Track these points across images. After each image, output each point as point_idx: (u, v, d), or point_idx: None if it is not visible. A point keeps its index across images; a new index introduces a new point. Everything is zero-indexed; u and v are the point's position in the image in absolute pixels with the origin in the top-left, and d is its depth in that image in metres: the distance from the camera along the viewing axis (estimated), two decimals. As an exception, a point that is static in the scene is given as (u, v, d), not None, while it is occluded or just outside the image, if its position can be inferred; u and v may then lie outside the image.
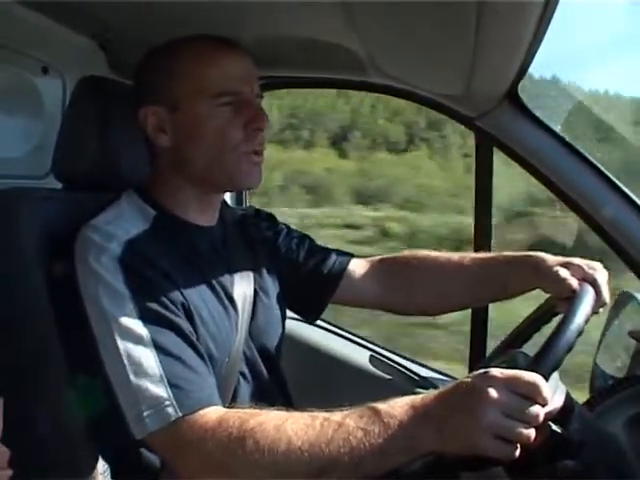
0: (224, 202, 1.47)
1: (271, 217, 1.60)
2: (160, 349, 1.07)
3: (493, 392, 0.89)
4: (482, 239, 1.89)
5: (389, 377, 2.03)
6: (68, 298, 1.13)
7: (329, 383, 2.07)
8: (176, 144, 1.25)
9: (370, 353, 2.12)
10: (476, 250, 1.85)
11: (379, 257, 1.63)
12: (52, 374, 1.18)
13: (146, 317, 1.09)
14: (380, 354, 2.13)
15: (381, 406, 0.95)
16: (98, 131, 1.31)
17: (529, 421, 0.89)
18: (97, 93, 1.34)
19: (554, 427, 0.93)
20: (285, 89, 2.19)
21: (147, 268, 1.14)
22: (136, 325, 1.08)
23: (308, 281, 1.54)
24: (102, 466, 1.19)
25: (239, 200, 2.27)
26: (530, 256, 1.41)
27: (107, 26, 1.57)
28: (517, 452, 0.89)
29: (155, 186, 1.30)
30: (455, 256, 1.55)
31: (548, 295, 1.36)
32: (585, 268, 1.29)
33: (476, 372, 0.95)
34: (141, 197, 1.27)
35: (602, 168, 1.64)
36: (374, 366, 2.07)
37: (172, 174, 1.28)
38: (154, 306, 1.11)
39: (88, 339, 1.09)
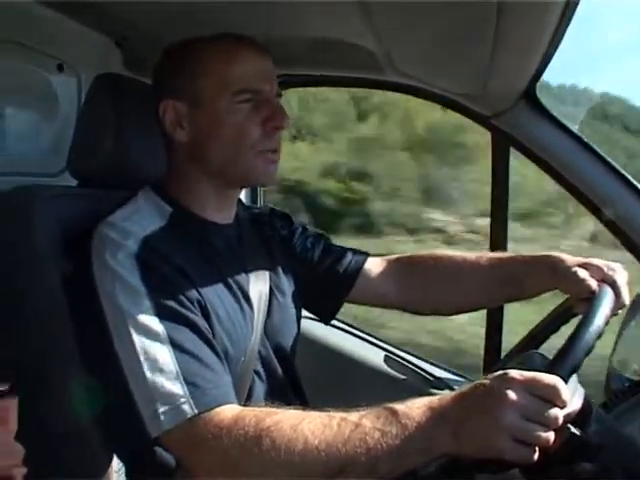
0: (240, 201, 1.47)
1: (286, 216, 1.59)
2: (176, 346, 1.07)
3: (512, 394, 0.88)
4: (499, 238, 1.88)
5: (404, 377, 2.03)
6: (83, 295, 1.13)
7: (344, 383, 2.07)
8: (194, 139, 1.25)
9: (385, 353, 2.12)
10: (492, 249, 1.85)
11: (395, 256, 1.62)
12: (66, 372, 1.17)
13: (162, 314, 1.09)
14: (395, 354, 2.12)
15: (398, 407, 0.95)
16: (113, 129, 1.30)
17: (548, 424, 0.88)
18: (113, 91, 1.33)
19: (573, 429, 0.93)
20: (301, 87, 2.18)
21: (163, 265, 1.14)
22: (152, 322, 1.08)
23: (324, 280, 1.53)
24: (117, 464, 1.19)
25: (254, 198, 2.27)
26: (548, 256, 1.40)
27: (123, 24, 1.57)
28: (535, 455, 0.88)
29: (172, 182, 1.30)
30: (472, 256, 1.54)
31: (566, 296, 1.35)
32: (604, 269, 1.28)
33: (494, 374, 0.94)
34: (158, 194, 1.28)
35: (619, 168, 1.64)
36: (389, 366, 2.07)
37: (189, 169, 1.29)
38: (170, 303, 1.10)
39: (104, 336, 1.09)
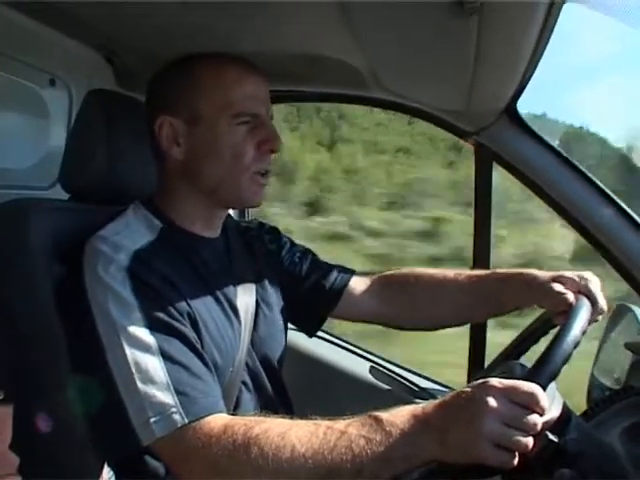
0: (228, 214, 1.48)
1: (275, 230, 1.62)
2: (167, 357, 1.09)
3: (492, 401, 0.90)
4: (481, 254, 1.90)
5: (388, 388, 2.05)
6: (76, 307, 1.14)
7: (329, 393, 2.09)
8: (189, 157, 1.27)
9: (370, 364, 2.13)
10: (475, 264, 1.88)
11: (379, 274, 1.65)
12: (58, 383, 1.18)
13: (153, 326, 1.11)
14: (380, 365, 2.14)
15: (383, 415, 0.97)
16: (105, 144, 1.32)
17: (527, 430, 0.90)
18: (104, 106, 1.35)
19: (551, 436, 0.94)
20: (287, 103, 2.20)
21: (154, 278, 1.16)
22: (143, 334, 1.10)
23: (309, 295, 1.56)
24: (107, 472, 1.20)
25: (242, 212, 2.29)
26: (522, 273, 1.43)
27: (113, 40, 1.59)
28: (516, 460, 0.90)
29: (162, 198, 1.32)
30: (451, 273, 1.57)
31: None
32: (577, 280, 1.31)
33: (475, 382, 0.96)
34: (148, 209, 1.29)
35: (599, 183, 1.66)
36: (374, 377, 2.09)
37: (181, 186, 1.30)
38: (161, 315, 1.12)
39: (96, 347, 1.10)
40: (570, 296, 1.27)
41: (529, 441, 0.90)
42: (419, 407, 0.97)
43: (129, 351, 1.08)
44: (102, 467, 1.19)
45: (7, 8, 1.41)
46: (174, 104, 1.27)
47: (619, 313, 1.65)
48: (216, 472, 1.02)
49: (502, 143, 1.73)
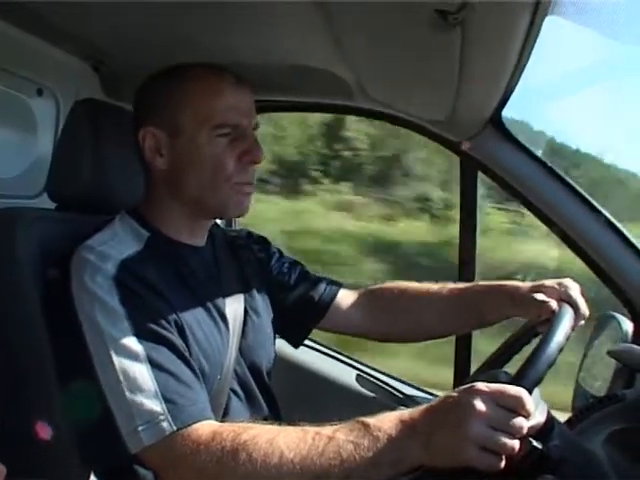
0: (215, 223, 1.49)
1: (264, 240, 1.63)
2: (155, 365, 1.09)
3: (479, 404, 0.91)
4: (466, 262, 1.92)
5: (374, 395, 2.05)
6: (63, 317, 1.14)
7: (316, 401, 2.08)
8: (172, 167, 1.28)
9: (356, 372, 2.14)
10: (460, 272, 1.89)
11: (364, 288, 1.67)
12: (46, 392, 1.18)
13: (141, 334, 1.11)
14: (366, 373, 2.14)
15: (370, 420, 0.98)
16: (92, 154, 1.33)
17: (513, 432, 0.91)
18: (91, 116, 1.35)
19: (535, 443, 0.95)
20: (272, 112, 2.21)
21: (141, 287, 1.16)
22: (131, 342, 1.10)
23: (297, 306, 1.57)
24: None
25: (228, 222, 2.29)
26: (504, 285, 1.46)
27: (100, 50, 1.59)
28: (502, 463, 0.91)
29: (148, 207, 1.32)
30: (434, 287, 1.59)
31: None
32: (558, 287, 1.34)
33: (461, 387, 0.97)
34: (134, 219, 1.29)
35: (583, 192, 1.68)
36: (360, 384, 2.09)
37: (165, 196, 1.31)
38: (148, 323, 1.13)
39: (83, 356, 1.10)
40: (553, 304, 1.29)
41: (515, 444, 0.91)
42: (406, 412, 0.98)
43: (117, 359, 1.08)
44: (88, 476, 1.19)
45: (-6, 19, 1.41)
46: (157, 115, 1.28)
47: (603, 321, 1.66)
48: (204, 478, 1.02)
49: (487, 153, 1.74)
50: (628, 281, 1.63)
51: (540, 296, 1.33)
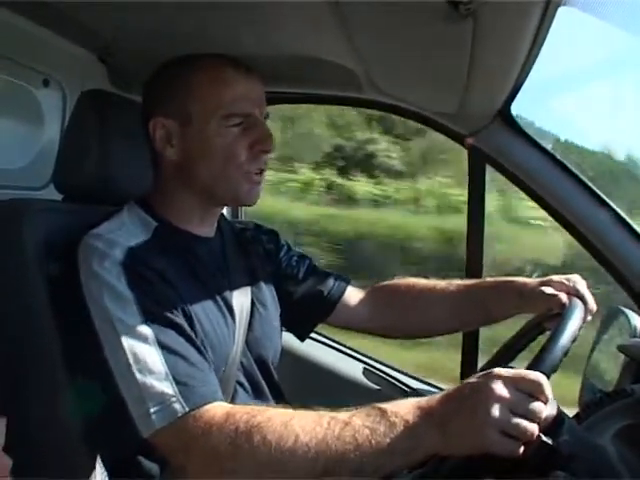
0: (223, 215, 1.49)
1: (273, 232, 1.63)
2: (164, 347, 1.09)
3: (498, 388, 0.91)
4: (475, 255, 1.91)
5: (381, 389, 2.05)
6: (72, 304, 1.14)
7: (322, 394, 2.06)
8: (183, 157, 1.28)
9: (363, 365, 2.14)
10: (468, 266, 1.88)
11: (372, 285, 1.67)
12: (52, 384, 1.18)
13: (149, 318, 1.11)
14: (373, 366, 2.14)
15: (387, 406, 0.97)
16: (98, 145, 1.33)
17: (533, 417, 0.91)
18: (98, 107, 1.35)
19: (544, 438, 0.94)
20: (282, 104, 2.20)
21: (149, 273, 1.16)
22: (140, 326, 1.09)
23: (305, 300, 1.57)
24: (101, 473, 1.19)
25: (235, 213, 2.29)
26: (512, 281, 1.46)
27: (107, 40, 1.59)
28: (521, 449, 0.91)
29: (157, 197, 1.32)
30: (442, 283, 1.59)
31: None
32: (566, 282, 1.35)
33: (480, 373, 0.97)
34: (142, 208, 1.29)
35: (592, 186, 1.67)
36: (367, 378, 2.09)
37: (176, 186, 1.31)
38: (156, 307, 1.12)
39: (92, 342, 1.10)
40: (563, 297, 1.30)
41: (535, 429, 0.91)
42: (423, 399, 0.98)
43: (126, 343, 1.08)
44: (94, 468, 1.19)
45: (1, 9, 1.41)
46: (167, 105, 1.28)
47: (611, 315, 1.65)
48: (217, 460, 1.01)
49: (495, 146, 1.73)
50: (637, 275, 1.62)
51: (549, 290, 1.34)
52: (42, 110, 1.78)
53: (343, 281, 1.62)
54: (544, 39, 1.21)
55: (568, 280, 1.35)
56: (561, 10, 1.08)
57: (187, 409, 1.04)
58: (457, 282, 1.58)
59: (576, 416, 1.33)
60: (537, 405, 0.91)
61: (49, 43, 1.59)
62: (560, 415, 1.00)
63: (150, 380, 1.06)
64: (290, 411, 1.03)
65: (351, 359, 2.21)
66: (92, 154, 1.33)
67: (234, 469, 1.00)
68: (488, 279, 1.57)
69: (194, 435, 1.03)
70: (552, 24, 1.14)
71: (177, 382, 1.06)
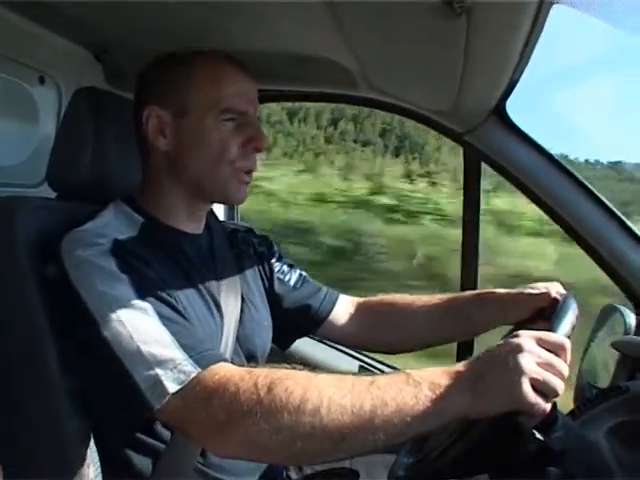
0: (213, 214, 1.49)
1: (265, 237, 1.63)
2: (164, 318, 1.07)
3: (527, 344, 0.93)
4: (470, 253, 1.92)
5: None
6: (62, 297, 1.12)
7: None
8: (174, 149, 1.28)
9: (359, 363, 2.14)
10: (463, 265, 1.89)
11: (358, 300, 1.67)
12: (44, 381, 1.18)
13: (145, 294, 1.09)
14: (368, 364, 2.14)
15: (412, 371, 0.97)
16: (92, 142, 1.33)
17: (558, 373, 0.92)
18: (92, 105, 1.35)
19: (538, 435, 0.95)
20: (276, 102, 2.20)
21: (136, 262, 1.15)
22: (137, 300, 1.08)
23: (293, 312, 1.57)
24: (93, 471, 1.19)
25: (230, 216, 2.29)
26: (493, 292, 1.47)
27: (103, 38, 1.60)
28: (548, 407, 0.91)
29: (144, 193, 1.32)
30: (424, 297, 1.60)
31: None
32: (549, 285, 1.37)
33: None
34: (129, 205, 1.29)
35: (587, 183, 1.67)
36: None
37: (164, 178, 1.31)
38: (149, 286, 1.11)
39: (90, 328, 1.07)
40: (552, 291, 1.32)
41: (562, 385, 0.92)
42: (448, 367, 0.98)
43: (125, 317, 1.06)
44: (87, 466, 1.18)
45: (-3, 6, 1.41)
46: (164, 95, 1.28)
47: (606, 313, 1.66)
48: (236, 414, 0.97)
49: (490, 143, 1.73)
50: (631, 273, 1.63)
51: (536, 290, 1.36)
52: (38, 107, 1.78)
53: (333, 295, 1.62)
54: (538, 37, 1.21)
55: (549, 285, 1.37)
56: (555, 8, 1.09)
57: (200, 368, 1.02)
58: (439, 296, 1.59)
59: (571, 413, 1.33)
60: (562, 362, 0.93)
61: (45, 40, 1.59)
62: (553, 411, 1.00)
63: (156, 348, 1.04)
64: (309, 373, 1.00)
65: (347, 356, 2.21)
66: (86, 152, 1.32)
67: (256, 422, 0.95)
68: (471, 291, 1.58)
69: (211, 391, 0.99)
70: (546, 22, 1.14)
71: (184, 347, 1.04)
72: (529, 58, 1.32)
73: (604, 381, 1.52)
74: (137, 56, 1.35)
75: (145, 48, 1.34)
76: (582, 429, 1.22)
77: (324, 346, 2.23)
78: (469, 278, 1.90)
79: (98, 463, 1.20)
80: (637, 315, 1.58)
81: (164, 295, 1.12)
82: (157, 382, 1.02)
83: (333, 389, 0.95)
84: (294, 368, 1.03)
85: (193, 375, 1.01)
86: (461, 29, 1.11)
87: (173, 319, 1.09)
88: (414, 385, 0.94)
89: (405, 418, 0.92)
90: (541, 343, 0.94)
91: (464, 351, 1.98)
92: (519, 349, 0.92)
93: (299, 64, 1.60)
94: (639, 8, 1.10)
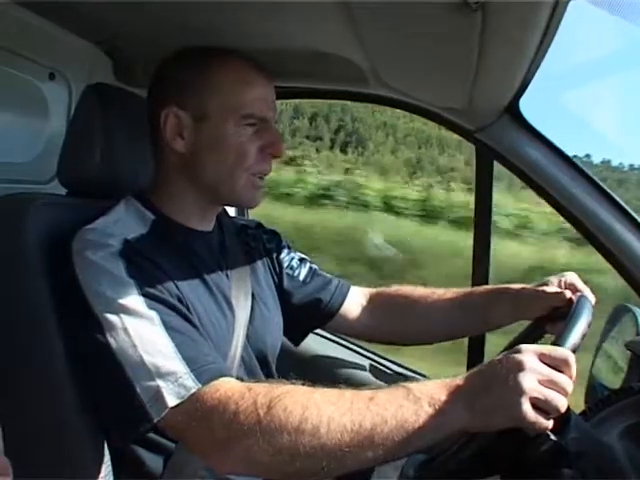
0: (225, 211, 1.49)
1: (274, 233, 1.63)
2: (169, 328, 1.07)
3: (528, 360, 0.92)
4: (481, 251, 1.90)
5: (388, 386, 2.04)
6: (71, 297, 1.12)
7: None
8: (191, 151, 1.27)
9: (369, 362, 2.13)
10: (475, 262, 1.88)
11: (370, 291, 1.68)
12: (54, 380, 1.17)
13: (151, 302, 1.09)
14: (379, 363, 2.13)
15: (412, 384, 0.97)
16: (102, 139, 1.33)
17: (561, 390, 0.92)
18: (102, 101, 1.35)
19: (552, 436, 0.94)
20: (287, 99, 2.20)
21: (146, 263, 1.15)
22: (143, 308, 1.08)
23: (304, 306, 1.58)
24: (104, 470, 1.18)
25: (240, 211, 2.28)
26: (508, 287, 1.48)
27: (113, 34, 1.60)
28: (550, 424, 0.91)
29: (156, 190, 1.32)
30: (439, 291, 1.61)
31: None
32: (562, 279, 1.38)
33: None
34: (140, 202, 1.29)
35: (599, 182, 1.66)
36: (373, 375, 2.08)
37: (178, 179, 1.31)
38: (157, 293, 1.11)
39: (96, 332, 1.08)
40: (567, 292, 1.33)
41: (564, 402, 0.92)
42: (448, 379, 0.98)
43: (130, 325, 1.06)
44: (98, 465, 1.18)
45: (7, 2, 1.41)
46: (184, 96, 1.27)
47: (618, 313, 1.65)
48: (234, 432, 0.97)
49: (503, 142, 1.72)
50: (644, 272, 1.62)
51: (551, 288, 1.36)
52: (48, 104, 1.77)
53: (344, 287, 1.62)
54: (554, 34, 1.20)
55: (563, 277, 1.39)
56: (572, 4, 1.07)
57: (200, 384, 1.02)
58: (454, 290, 1.60)
59: (583, 414, 1.33)
60: (565, 378, 0.92)
61: (55, 36, 1.58)
62: (567, 413, 1.00)
63: (159, 359, 1.04)
64: (309, 387, 1.01)
65: (357, 355, 2.20)
66: (96, 148, 1.32)
67: (255, 442, 0.96)
68: (485, 286, 1.60)
69: (210, 408, 1.00)
70: (562, 19, 1.13)
71: (186, 360, 1.05)
72: (544, 55, 1.31)
73: (616, 382, 1.52)
74: (147, 52, 1.35)
75: (155, 45, 1.34)
76: (595, 430, 1.21)
77: (334, 345, 2.22)
78: (480, 276, 1.89)
79: (109, 462, 1.20)
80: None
81: (172, 300, 1.13)
82: (158, 394, 1.03)
83: (332, 407, 0.96)
84: (293, 383, 1.03)
85: (193, 390, 1.02)
86: (475, 26, 1.10)
87: (178, 329, 1.09)
88: (414, 401, 0.94)
89: (405, 435, 0.93)
90: (543, 359, 0.93)
91: (475, 346, 1.97)
92: (520, 367, 0.92)
93: (311, 61, 1.59)
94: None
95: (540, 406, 0.90)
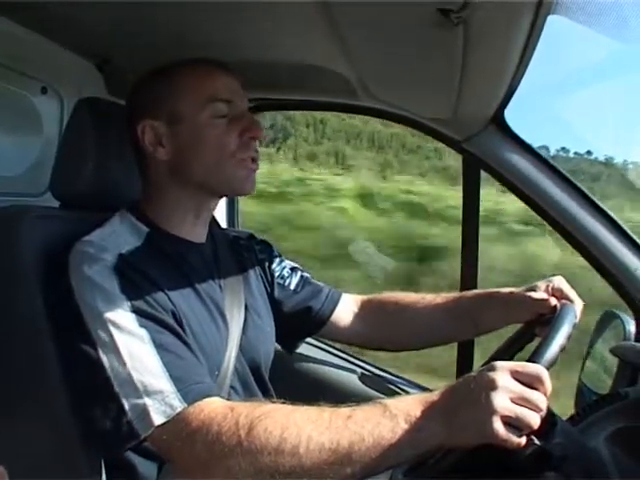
0: (216, 223, 1.50)
1: (266, 243, 1.65)
2: (159, 346, 1.09)
3: (501, 379, 0.93)
4: (469, 261, 1.92)
5: (378, 395, 2.04)
6: (65, 309, 1.14)
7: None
8: (175, 156, 1.30)
9: (360, 370, 2.13)
10: (463, 272, 1.89)
11: (362, 298, 1.69)
12: (48, 388, 1.18)
13: (143, 319, 1.11)
14: (370, 372, 2.14)
15: (389, 401, 0.99)
16: (94, 152, 1.34)
17: (534, 408, 0.93)
18: (94, 115, 1.36)
19: (536, 441, 0.95)
20: (275, 111, 2.21)
21: (140, 278, 1.17)
22: (134, 326, 1.10)
23: (296, 314, 1.59)
24: (98, 476, 1.19)
25: (231, 221, 2.30)
26: (497, 292, 1.50)
27: (103, 48, 1.61)
28: (523, 440, 0.92)
29: (149, 203, 1.34)
30: (428, 296, 1.62)
31: None
32: (550, 284, 1.38)
33: (479, 368, 0.99)
34: (134, 215, 1.31)
35: (586, 190, 1.68)
36: (364, 384, 2.08)
37: (169, 186, 1.32)
38: (149, 309, 1.13)
39: (87, 346, 1.10)
40: (552, 300, 1.34)
41: (537, 419, 0.93)
42: (425, 394, 1.00)
43: (121, 343, 1.09)
44: (93, 472, 1.19)
45: (0, 17, 1.42)
46: (153, 108, 1.30)
47: (606, 319, 1.66)
48: (217, 453, 1.00)
49: (489, 151, 1.74)
50: (630, 280, 1.63)
51: (538, 294, 1.37)
52: (40, 117, 1.78)
53: (335, 295, 1.64)
54: (535, 46, 1.22)
55: (550, 282, 1.39)
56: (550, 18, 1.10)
57: (186, 404, 1.05)
58: (444, 295, 1.61)
59: (570, 418, 1.34)
60: (538, 396, 0.93)
61: (47, 51, 1.59)
62: (552, 417, 1.01)
63: (147, 378, 1.06)
64: (289, 406, 1.03)
65: (347, 363, 2.20)
66: (89, 161, 1.33)
67: (237, 462, 0.98)
68: (475, 291, 1.61)
69: (194, 429, 1.02)
70: (542, 32, 1.15)
71: (174, 379, 1.07)
72: (527, 67, 1.33)
73: (604, 387, 1.53)
74: (138, 67, 1.36)
75: (146, 58, 1.34)
76: (582, 435, 1.22)
77: (325, 354, 2.22)
78: (469, 280, 1.90)
79: (103, 467, 1.21)
80: (636, 321, 1.59)
81: (163, 316, 1.15)
82: (144, 412, 1.05)
83: (311, 425, 0.97)
84: (274, 402, 1.06)
85: (179, 410, 1.05)
86: (458, 39, 1.12)
87: (167, 347, 1.11)
88: (390, 418, 0.96)
89: (382, 451, 0.94)
90: (517, 376, 0.94)
91: (464, 350, 1.98)
92: (492, 385, 0.93)
93: (299, 73, 1.61)
94: (631, 19, 1.11)
95: (512, 423, 0.91)
